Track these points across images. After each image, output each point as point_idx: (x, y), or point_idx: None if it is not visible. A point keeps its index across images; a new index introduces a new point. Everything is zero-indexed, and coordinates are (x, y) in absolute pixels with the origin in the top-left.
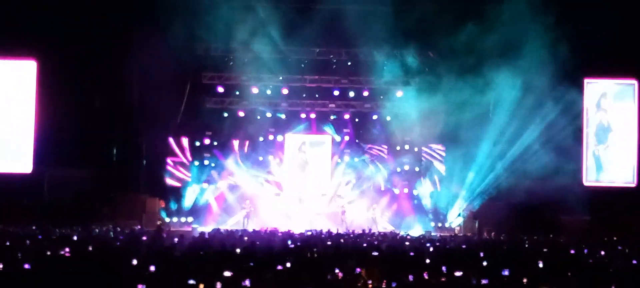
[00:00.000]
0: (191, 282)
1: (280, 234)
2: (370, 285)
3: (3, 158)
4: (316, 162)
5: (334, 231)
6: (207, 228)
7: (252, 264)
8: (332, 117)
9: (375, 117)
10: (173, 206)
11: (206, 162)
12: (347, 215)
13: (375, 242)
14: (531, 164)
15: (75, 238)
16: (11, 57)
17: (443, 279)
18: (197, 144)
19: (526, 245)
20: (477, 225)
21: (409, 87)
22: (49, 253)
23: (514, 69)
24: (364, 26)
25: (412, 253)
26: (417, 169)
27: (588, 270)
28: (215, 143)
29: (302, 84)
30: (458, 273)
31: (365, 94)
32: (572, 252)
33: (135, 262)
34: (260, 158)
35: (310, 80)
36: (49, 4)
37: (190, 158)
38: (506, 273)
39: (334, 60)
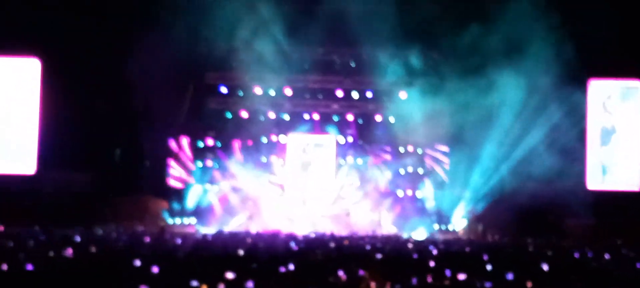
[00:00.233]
0: (194, 283)
1: (283, 236)
2: None
3: (7, 158)
4: (319, 164)
5: (338, 233)
6: (210, 229)
7: (255, 266)
8: (335, 118)
9: (378, 118)
10: (176, 207)
11: (209, 163)
12: (352, 216)
13: (379, 245)
14: (535, 167)
15: (77, 239)
16: (15, 54)
17: (447, 282)
18: (200, 144)
19: (530, 249)
20: (480, 228)
21: (412, 88)
22: (51, 254)
23: (518, 70)
24: (368, 27)
25: (415, 256)
26: (420, 171)
27: (592, 274)
28: (219, 144)
29: (305, 84)
30: (462, 277)
31: (369, 95)
32: (577, 255)
33: (138, 263)
34: (264, 160)
35: (314, 81)
36: (52, 3)
37: (192, 159)
38: (510, 276)
39: (338, 61)
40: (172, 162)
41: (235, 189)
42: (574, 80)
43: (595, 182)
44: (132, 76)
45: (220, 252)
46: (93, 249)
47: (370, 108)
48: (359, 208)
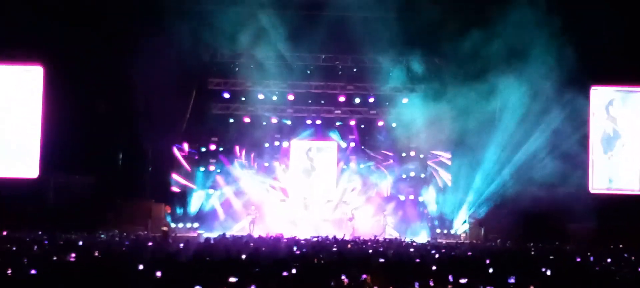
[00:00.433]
0: (197, 287)
1: (285, 240)
2: None
3: (9, 162)
4: (322, 168)
5: (340, 237)
6: (212, 234)
7: (257, 270)
8: (337, 124)
9: (380, 123)
10: (179, 212)
11: (212, 168)
12: (355, 221)
13: (381, 249)
14: (537, 171)
15: (81, 243)
16: (18, 62)
17: (449, 286)
18: (203, 149)
19: (532, 253)
20: (483, 232)
21: (414, 94)
22: (55, 258)
23: (520, 76)
24: (370, 33)
25: (417, 260)
26: (422, 176)
27: (594, 278)
28: (221, 149)
29: (307, 90)
30: (463, 281)
31: (371, 100)
32: (578, 259)
33: (141, 267)
34: (266, 164)
35: (316, 86)
36: (55, 10)
37: (195, 164)
38: (512, 280)
39: (340, 67)
40: (175, 167)
41: (238, 194)
42: (576, 85)
43: (597, 186)
44: (135, 82)
45: (223, 256)
46: (96, 253)
47: (372, 113)
48: (363, 213)
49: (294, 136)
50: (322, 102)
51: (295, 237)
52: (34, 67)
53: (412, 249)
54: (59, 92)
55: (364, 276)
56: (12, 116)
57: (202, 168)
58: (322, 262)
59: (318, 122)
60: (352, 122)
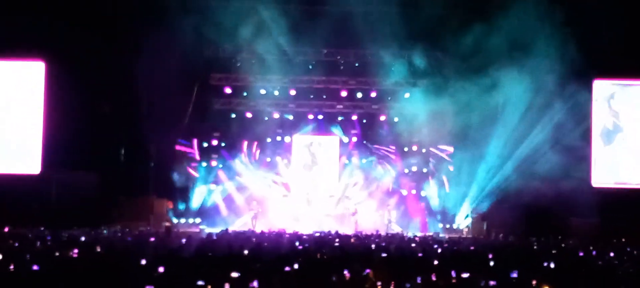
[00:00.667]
0: (200, 283)
1: (288, 235)
2: (379, 287)
3: (11, 158)
4: (324, 163)
5: (342, 232)
6: (215, 229)
7: (259, 265)
8: (339, 118)
9: (383, 118)
10: (181, 207)
11: (214, 163)
12: (358, 216)
13: (384, 244)
14: (540, 165)
15: (83, 239)
16: (20, 58)
17: (451, 281)
18: (205, 145)
19: (535, 247)
20: (485, 226)
21: (416, 88)
22: (57, 254)
23: (522, 70)
24: (372, 27)
25: (420, 255)
26: (425, 170)
27: (597, 272)
28: (223, 144)
29: (309, 85)
30: (466, 275)
31: (373, 95)
32: (581, 254)
33: (143, 262)
34: (268, 160)
35: (318, 81)
36: (57, 5)
37: (197, 159)
38: (514, 275)
39: (342, 61)
40: (176, 162)
41: (240, 189)
42: (579, 79)
43: (600, 180)
44: (137, 77)
45: (225, 251)
46: (98, 249)
47: (374, 108)
48: (366, 208)
49: (296, 131)
50: (324, 96)
51: (297, 232)
52: (36, 62)
53: (414, 244)
54: (61, 87)
55: (367, 271)
56: (13, 112)
57: (204, 164)
58: (325, 257)
59: (320, 116)
60: (354, 117)
